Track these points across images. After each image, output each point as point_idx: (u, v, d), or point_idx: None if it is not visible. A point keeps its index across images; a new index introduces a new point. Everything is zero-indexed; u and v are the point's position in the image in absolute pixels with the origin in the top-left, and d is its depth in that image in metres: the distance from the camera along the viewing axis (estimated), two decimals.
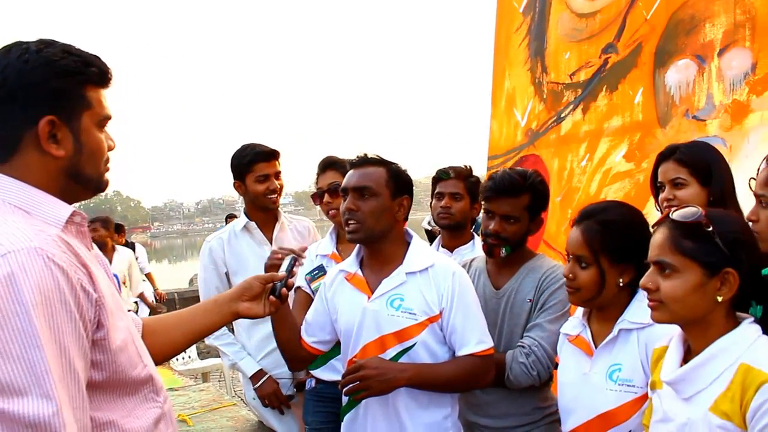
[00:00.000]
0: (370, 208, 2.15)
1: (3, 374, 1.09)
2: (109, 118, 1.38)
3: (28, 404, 1.09)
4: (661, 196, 2.22)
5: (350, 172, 2.23)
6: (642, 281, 1.59)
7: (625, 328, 1.90)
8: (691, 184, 2.16)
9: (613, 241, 1.89)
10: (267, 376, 3.04)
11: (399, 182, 2.20)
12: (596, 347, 1.94)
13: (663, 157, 2.25)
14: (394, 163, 2.24)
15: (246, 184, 3.11)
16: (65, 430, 1.12)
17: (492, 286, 2.41)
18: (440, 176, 2.99)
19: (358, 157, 2.25)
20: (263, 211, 3.17)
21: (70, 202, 1.33)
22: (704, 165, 2.17)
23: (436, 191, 3.00)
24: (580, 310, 2.07)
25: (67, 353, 1.16)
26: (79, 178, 1.34)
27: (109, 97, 1.38)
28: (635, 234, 1.85)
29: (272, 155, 3.11)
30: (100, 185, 1.40)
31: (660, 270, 1.54)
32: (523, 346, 2.26)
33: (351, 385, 2.06)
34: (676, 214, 1.54)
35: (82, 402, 1.19)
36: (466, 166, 3.02)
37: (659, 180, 2.25)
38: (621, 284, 1.90)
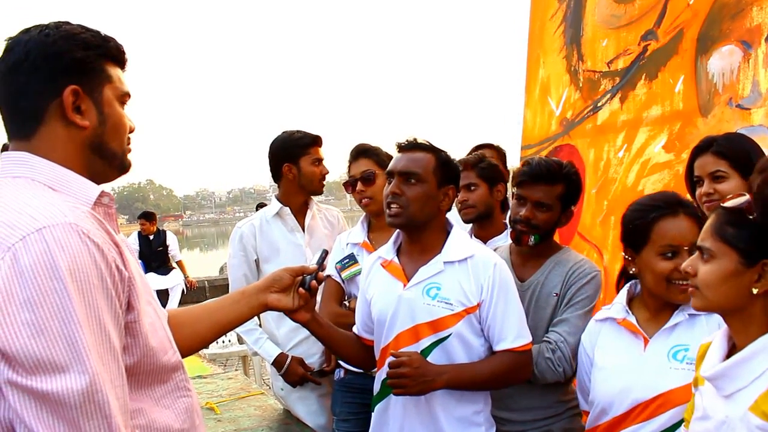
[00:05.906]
0: (415, 194, 2.10)
1: (43, 351, 1.06)
2: (128, 95, 1.38)
3: (70, 381, 1.07)
4: (700, 190, 2.15)
5: (398, 155, 2.18)
6: (683, 265, 1.57)
7: (693, 313, 1.85)
8: (731, 176, 2.10)
9: None
10: (290, 358, 3.03)
11: (447, 171, 2.16)
12: (644, 331, 1.91)
13: (699, 150, 2.19)
14: (443, 151, 2.18)
15: (300, 166, 3.10)
16: (110, 408, 1.10)
17: (517, 278, 2.36)
18: None
19: (407, 140, 2.19)
20: (308, 196, 3.19)
21: (97, 183, 1.32)
22: (744, 156, 2.10)
23: None
24: (622, 296, 2.01)
25: (106, 331, 1.14)
26: (103, 152, 1.33)
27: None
28: None
29: (321, 142, 3.17)
30: (124, 163, 1.39)
31: (701, 255, 1.52)
32: (549, 342, 2.23)
33: (390, 380, 2.02)
34: (728, 202, 1.50)
35: (122, 380, 1.17)
36: (473, 155, 3.01)
37: (696, 174, 2.18)
38: None
